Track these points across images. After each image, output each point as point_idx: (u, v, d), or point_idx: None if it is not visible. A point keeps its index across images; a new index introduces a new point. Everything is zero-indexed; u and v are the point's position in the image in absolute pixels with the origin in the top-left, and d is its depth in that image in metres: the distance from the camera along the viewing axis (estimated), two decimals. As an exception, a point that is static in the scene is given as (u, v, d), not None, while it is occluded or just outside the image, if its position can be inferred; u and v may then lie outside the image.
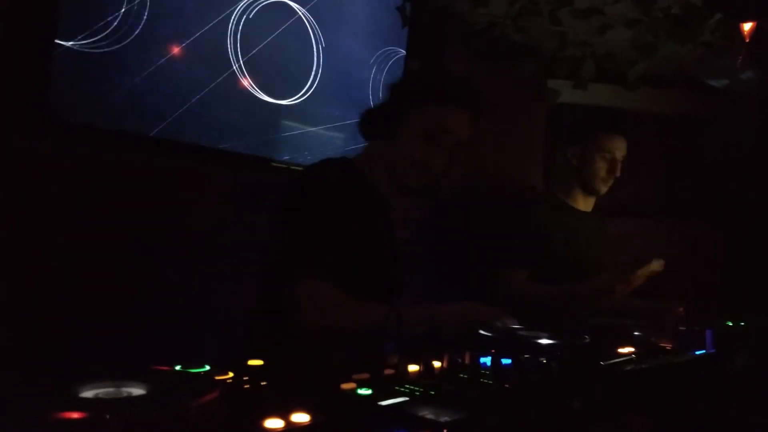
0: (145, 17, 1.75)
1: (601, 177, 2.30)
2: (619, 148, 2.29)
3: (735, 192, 3.18)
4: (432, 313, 1.32)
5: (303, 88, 2.17)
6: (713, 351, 1.23)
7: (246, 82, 2.01)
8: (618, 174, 2.30)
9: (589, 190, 2.36)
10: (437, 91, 1.49)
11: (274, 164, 2.13)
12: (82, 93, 1.66)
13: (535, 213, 2.35)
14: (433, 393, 0.79)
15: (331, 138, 2.25)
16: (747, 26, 2.26)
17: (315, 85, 2.19)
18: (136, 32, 1.74)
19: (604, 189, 2.33)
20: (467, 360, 0.92)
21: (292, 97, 2.14)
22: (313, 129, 2.22)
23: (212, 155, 1.94)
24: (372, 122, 1.55)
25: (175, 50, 1.83)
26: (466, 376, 0.86)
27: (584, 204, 2.40)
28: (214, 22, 1.91)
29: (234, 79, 1.98)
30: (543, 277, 2.23)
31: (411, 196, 1.59)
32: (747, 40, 2.30)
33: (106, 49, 1.68)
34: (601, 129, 2.32)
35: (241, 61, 1.99)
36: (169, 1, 1.80)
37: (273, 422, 0.64)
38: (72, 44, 1.61)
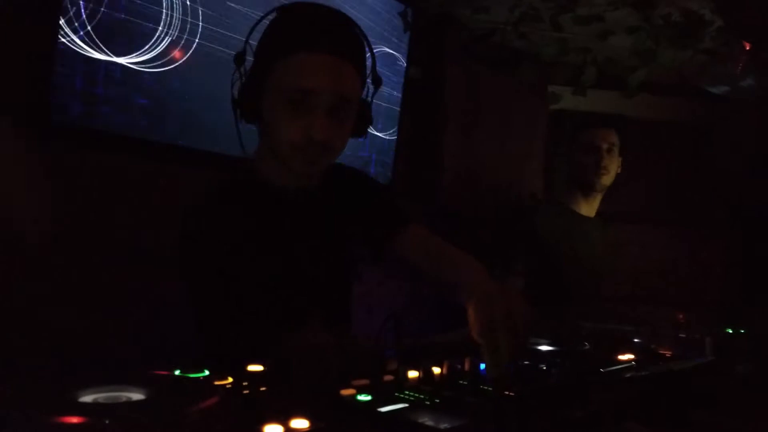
0: (147, 21, 1.75)
1: (588, 167, 2.29)
2: (601, 138, 2.29)
3: (735, 198, 3.18)
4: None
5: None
6: (712, 358, 1.23)
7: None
8: (608, 164, 2.28)
9: (586, 186, 2.34)
10: (279, 41, 1.10)
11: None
12: (83, 96, 1.67)
13: (534, 218, 2.35)
14: (432, 400, 0.79)
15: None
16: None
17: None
18: (139, 35, 1.74)
19: (597, 181, 2.31)
20: (467, 367, 0.92)
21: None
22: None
23: (213, 159, 1.94)
24: (239, 102, 1.15)
25: (177, 54, 1.83)
26: (465, 383, 0.86)
27: (586, 208, 2.40)
28: (215, 27, 1.91)
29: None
30: (544, 283, 2.23)
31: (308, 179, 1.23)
32: (747, 48, 2.31)
33: (108, 53, 1.68)
34: (583, 125, 2.36)
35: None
36: (173, 6, 1.81)
37: (272, 428, 0.63)
38: (74, 47, 1.62)
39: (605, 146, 2.29)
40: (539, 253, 2.27)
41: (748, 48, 2.28)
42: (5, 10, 1.54)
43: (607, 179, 2.31)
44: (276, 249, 1.20)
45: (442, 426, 0.69)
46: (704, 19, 2.28)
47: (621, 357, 1.10)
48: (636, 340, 1.29)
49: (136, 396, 0.68)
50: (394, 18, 2.40)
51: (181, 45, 1.84)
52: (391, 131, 2.51)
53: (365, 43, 1.17)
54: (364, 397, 0.77)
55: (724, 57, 2.41)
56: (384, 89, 2.45)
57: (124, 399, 0.68)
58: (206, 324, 1.20)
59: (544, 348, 1.12)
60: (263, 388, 0.78)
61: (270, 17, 1.14)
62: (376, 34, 2.39)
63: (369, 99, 1.22)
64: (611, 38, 2.45)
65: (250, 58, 1.17)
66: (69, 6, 1.58)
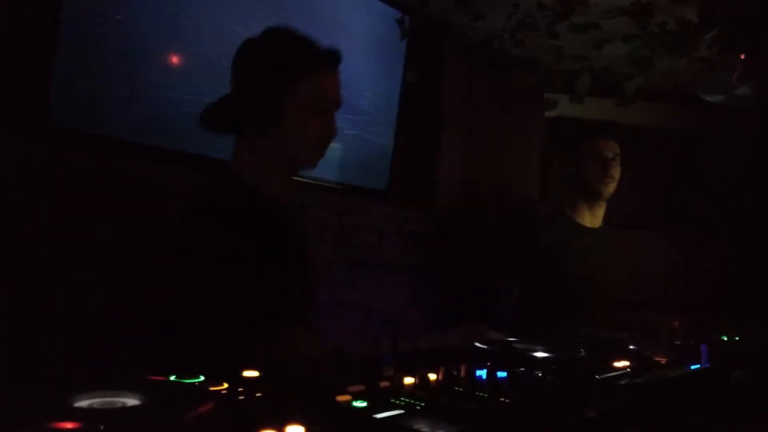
0: (146, 25, 1.76)
1: (596, 176, 2.33)
2: (607, 148, 2.34)
3: (731, 205, 3.19)
4: (432, 342, 1.32)
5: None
6: (708, 365, 1.23)
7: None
8: (614, 173, 2.32)
9: (591, 195, 2.36)
10: (312, 59, 1.35)
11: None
12: (81, 99, 1.67)
13: (537, 227, 2.36)
14: (427, 406, 0.79)
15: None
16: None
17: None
18: (137, 40, 1.74)
19: (604, 189, 2.33)
20: (463, 373, 0.92)
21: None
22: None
23: (210, 164, 1.95)
24: (240, 111, 1.34)
25: (175, 59, 1.83)
26: (461, 389, 0.86)
27: (590, 217, 2.40)
28: (214, 30, 1.92)
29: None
30: (549, 295, 2.24)
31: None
32: (742, 56, 2.32)
33: (106, 57, 1.69)
34: (588, 135, 2.40)
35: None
36: (172, 10, 1.81)
37: (267, 434, 0.63)
38: (72, 50, 1.62)
39: (611, 155, 2.33)
40: (540, 261, 2.28)
41: (743, 57, 2.30)
42: (5, 9, 1.54)
43: (613, 187, 2.35)
44: (272, 252, 1.32)
45: (438, 432, 0.69)
46: (699, 28, 2.30)
47: (616, 364, 1.10)
48: (631, 347, 1.29)
49: (132, 401, 0.68)
50: (391, 24, 2.40)
51: (182, 49, 1.84)
52: (388, 137, 2.51)
53: None
54: (359, 403, 0.77)
55: (720, 65, 2.43)
56: (381, 95, 2.46)
57: (119, 404, 0.68)
58: (196, 325, 1.23)
59: (540, 354, 1.12)
60: (259, 394, 0.78)
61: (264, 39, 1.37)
62: (374, 40, 2.40)
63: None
64: (607, 46, 2.46)
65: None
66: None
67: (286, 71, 1.33)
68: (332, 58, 1.38)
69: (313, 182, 2.14)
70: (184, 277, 1.26)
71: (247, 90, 1.33)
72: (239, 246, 1.23)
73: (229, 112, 1.36)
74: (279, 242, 1.35)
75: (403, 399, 0.80)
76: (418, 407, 0.78)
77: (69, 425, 0.59)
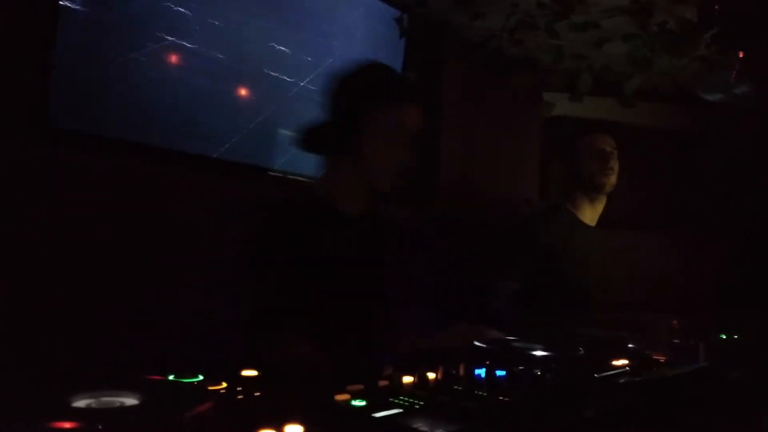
0: (145, 24, 1.76)
1: (597, 170, 2.33)
2: (605, 142, 2.35)
3: (730, 205, 3.19)
4: (430, 342, 1.33)
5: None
6: (706, 364, 1.23)
7: (244, 91, 2.02)
8: (614, 165, 2.32)
9: (593, 190, 2.36)
10: (391, 91, 1.49)
11: (271, 174, 2.13)
12: (79, 100, 1.67)
13: (537, 224, 2.36)
14: (426, 405, 0.79)
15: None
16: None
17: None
18: (137, 41, 1.75)
19: (606, 182, 2.33)
20: (462, 372, 0.92)
21: (287, 108, 2.15)
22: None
23: (208, 164, 1.95)
24: (325, 135, 1.50)
25: (174, 59, 1.83)
26: (460, 388, 0.86)
27: (591, 213, 2.40)
28: (213, 29, 1.92)
29: (232, 87, 1.99)
30: (549, 293, 2.24)
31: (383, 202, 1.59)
32: (741, 55, 2.32)
33: (105, 58, 1.69)
34: (585, 131, 2.41)
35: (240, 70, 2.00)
36: (171, 9, 1.81)
37: (266, 433, 0.63)
38: (71, 51, 1.62)
39: (608, 149, 2.34)
40: (541, 257, 2.28)
41: (742, 56, 2.30)
42: (5, 9, 1.54)
43: (614, 179, 2.35)
44: (341, 263, 1.44)
45: (437, 431, 0.69)
46: (699, 27, 2.30)
47: (615, 362, 1.10)
48: (630, 345, 1.29)
49: (130, 401, 0.68)
50: (390, 23, 2.40)
51: (179, 49, 1.85)
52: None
53: None
54: (358, 403, 0.77)
55: (719, 64, 2.43)
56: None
57: (117, 404, 0.68)
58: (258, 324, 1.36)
59: (539, 353, 1.12)
60: (257, 394, 0.78)
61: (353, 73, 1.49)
62: (372, 39, 2.40)
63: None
64: (607, 45, 2.46)
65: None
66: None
67: (366, 101, 1.45)
68: (411, 92, 1.51)
69: (312, 181, 2.13)
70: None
71: (331, 117, 1.48)
72: (277, 256, 1.36)
73: (317, 136, 1.50)
74: (338, 256, 1.43)
75: (402, 398, 0.80)
76: (417, 406, 0.78)
77: (68, 425, 0.59)
